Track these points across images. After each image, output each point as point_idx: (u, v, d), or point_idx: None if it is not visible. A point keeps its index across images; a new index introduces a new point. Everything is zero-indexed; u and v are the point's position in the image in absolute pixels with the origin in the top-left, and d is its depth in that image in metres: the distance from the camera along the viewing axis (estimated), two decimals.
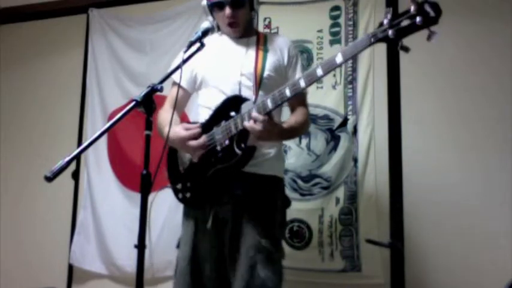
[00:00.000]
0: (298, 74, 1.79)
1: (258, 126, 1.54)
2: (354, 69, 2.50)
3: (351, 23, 2.56)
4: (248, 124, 1.56)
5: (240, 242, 1.67)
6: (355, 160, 2.44)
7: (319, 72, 1.48)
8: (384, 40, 1.35)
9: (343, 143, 2.47)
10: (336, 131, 2.50)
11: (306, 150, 2.52)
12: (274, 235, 1.69)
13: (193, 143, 1.66)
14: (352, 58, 1.51)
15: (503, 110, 2.29)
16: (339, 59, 1.44)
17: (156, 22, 2.99)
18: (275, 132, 1.62)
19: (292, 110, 1.84)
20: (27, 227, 3.15)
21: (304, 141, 2.52)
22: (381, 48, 2.43)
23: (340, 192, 2.44)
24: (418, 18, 1.27)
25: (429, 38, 1.27)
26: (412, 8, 1.28)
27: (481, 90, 2.35)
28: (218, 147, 1.68)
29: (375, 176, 2.41)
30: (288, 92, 1.54)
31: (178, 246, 1.82)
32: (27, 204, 3.18)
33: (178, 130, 1.69)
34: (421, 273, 2.30)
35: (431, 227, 2.32)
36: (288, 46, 1.84)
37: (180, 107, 1.93)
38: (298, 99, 1.79)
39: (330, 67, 1.47)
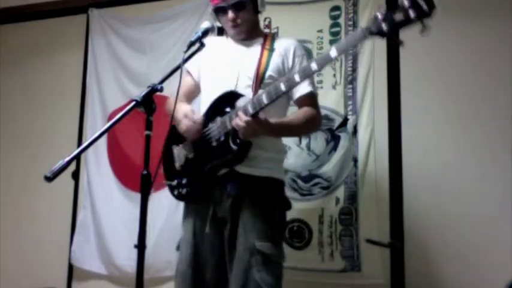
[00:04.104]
0: None
1: (242, 125, 1.54)
2: (354, 69, 2.50)
3: (350, 23, 2.56)
4: (233, 122, 1.57)
5: (236, 245, 1.66)
6: (355, 160, 2.44)
7: (314, 66, 1.48)
8: (378, 34, 1.37)
9: (343, 143, 2.47)
10: (336, 131, 2.50)
11: (306, 150, 2.52)
12: (272, 238, 1.67)
13: (189, 119, 1.69)
14: (346, 52, 1.53)
15: (503, 110, 2.29)
16: (333, 53, 1.44)
17: (156, 22, 2.99)
18: (262, 130, 1.59)
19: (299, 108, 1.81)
20: (27, 227, 3.14)
21: (304, 141, 2.52)
22: (381, 48, 2.43)
23: (340, 192, 2.44)
24: (411, 12, 1.29)
25: (422, 31, 1.29)
26: (406, 2, 1.30)
27: (481, 90, 2.35)
28: (214, 143, 1.68)
29: (375, 176, 2.41)
30: (282, 87, 1.53)
31: (178, 248, 1.81)
32: (27, 204, 3.18)
33: (182, 109, 1.72)
34: (421, 273, 2.30)
35: (431, 226, 2.32)
36: (294, 47, 1.81)
37: (190, 98, 1.95)
38: (307, 100, 1.78)
39: (324, 61, 1.47)
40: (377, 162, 2.42)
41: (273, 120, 1.63)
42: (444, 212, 2.30)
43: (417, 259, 2.31)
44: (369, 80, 2.47)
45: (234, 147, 1.62)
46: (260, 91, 1.66)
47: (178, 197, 1.80)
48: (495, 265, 2.15)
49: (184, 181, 1.76)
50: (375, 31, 1.37)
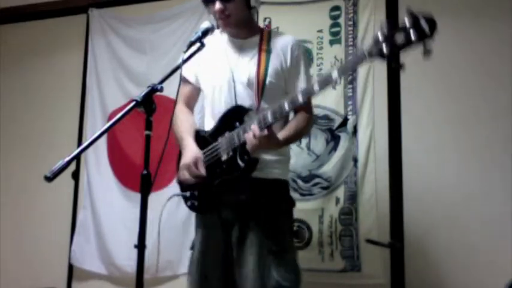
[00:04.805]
0: (301, 75, 1.78)
1: (255, 141, 1.55)
2: (354, 70, 2.50)
3: (351, 23, 2.56)
4: (246, 136, 1.58)
5: (247, 246, 1.67)
6: (355, 160, 2.44)
7: (316, 87, 1.49)
8: (379, 56, 1.35)
9: (343, 143, 2.47)
10: (336, 131, 2.50)
11: (306, 150, 2.52)
12: (283, 237, 1.70)
13: (192, 172, 1.69)
14: (347, 74, 1.52)
15: (503, 110, 2.29)
16: (335, 75, 1.45)
17: (156, 22, 2.99)
18: (270, 146, 1.62)
19: (295, 112, 1.81)
20: (27, 227, 3.14)
21: (304, 141, 2.52)
22: None
23: (340, 192, 2.44)
24: (413, 34, 1.26)
25: (424, 54, 1.25)
26: (407, 24, 1.27)
27: (480, 90, 2.35)
28: (223, 158, 1.69)
29: (374, 176, 2.41)
30: (286, 107, 1.54)
31: (192, 248, 1.84)
32: (27, 204, 3.18)
33: (187, 155, 1.72)
34: (421, 273, 2.30)
35: (431, 227, 2.32)
36: (291, 46, 1.78)
37: (191, 103, 1.95)
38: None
39: (326, 83, 1.49)
40: (377, 162, 2.42)
41: (280, 135, 1.66)
42: (444, 212, 2.30)
43: (417, 259, 2.31)
44: (369, 80, 2.47)
45: (241, 164, 1.63)
46: (264, 103, 1.68)
47: (191, 208, 1.82)
48: (495, 265, 2.15)
49: (196, 193, 1.78)
50: (375, 53, 1.35)
